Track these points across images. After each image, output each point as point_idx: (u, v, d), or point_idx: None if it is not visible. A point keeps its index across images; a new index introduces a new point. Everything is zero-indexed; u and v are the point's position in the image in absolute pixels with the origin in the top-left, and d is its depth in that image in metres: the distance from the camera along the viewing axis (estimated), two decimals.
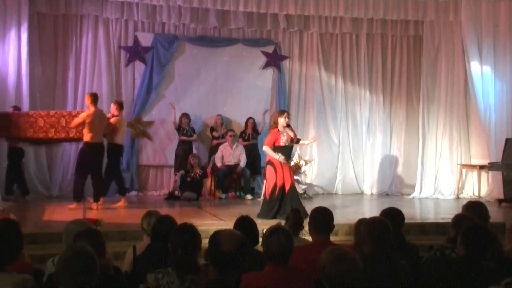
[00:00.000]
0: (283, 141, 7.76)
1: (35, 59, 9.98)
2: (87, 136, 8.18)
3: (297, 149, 10.64)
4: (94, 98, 8.31)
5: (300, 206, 7.36)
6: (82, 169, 8.39)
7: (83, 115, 8.21)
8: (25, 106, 9.47)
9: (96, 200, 8.44)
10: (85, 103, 8.61)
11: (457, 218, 4.21)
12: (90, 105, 8.28)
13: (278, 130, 7.77)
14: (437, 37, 11.16)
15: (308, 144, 8.12)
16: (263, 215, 7.61)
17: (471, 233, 3.51)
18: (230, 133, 10.43)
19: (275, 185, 7.66)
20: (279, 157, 7.65)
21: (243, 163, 10.40)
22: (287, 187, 7.65)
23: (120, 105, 8.98)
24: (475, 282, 3.30)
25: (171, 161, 10.67)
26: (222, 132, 10.70)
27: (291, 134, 7.84)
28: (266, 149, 7.82)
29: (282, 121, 7.77)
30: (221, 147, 10.47)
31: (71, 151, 10.23)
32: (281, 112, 8.02)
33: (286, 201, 7.58)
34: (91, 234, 3.46)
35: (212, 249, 2.88)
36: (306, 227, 4.28)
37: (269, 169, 7.85)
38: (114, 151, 8.89)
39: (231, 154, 10.43)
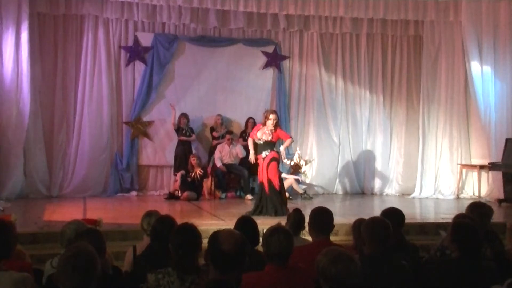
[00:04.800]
0: (257, 137, 8.04)
1: (35, 59, 9.95)
2: None
3: (297, 149, 10.66)
4: None
5: (278, 205, 7.74)
6: None
7: None
8: (26, 106, 9.47)
9: None
10: None
11: (458, 219, 4.20)
12: None
13: (262, 126, 8.05)
14: (437, 37, 11.15)
15: (283, 151, 8.40)
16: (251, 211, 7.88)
17: (459, 232, 3.52)
18: (228, 136, 10.43)
19: (262, 182, 8.01)
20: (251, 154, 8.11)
21: (241, 154, 10.41)
22: (266, 184, 7.90)
23: None
24: (475, 282, 3.29)
25: (171, 161, 10.66)
26: (222, 132, 10.70)
27: (269, 135, 7.94)
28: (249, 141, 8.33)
29: (268, 122, 7.99)
30: (218, 147, 10.48)
31: (71, 151, 10.24)
32: (268, 113, 8.14)
33: (267, 198, 7.85)
34: (92, 234, 3.46)
35: (212, 249, 2.88)
36: (306, 227, 4.29)
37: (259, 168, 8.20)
38: None
39: (229, 153, 10.45)
